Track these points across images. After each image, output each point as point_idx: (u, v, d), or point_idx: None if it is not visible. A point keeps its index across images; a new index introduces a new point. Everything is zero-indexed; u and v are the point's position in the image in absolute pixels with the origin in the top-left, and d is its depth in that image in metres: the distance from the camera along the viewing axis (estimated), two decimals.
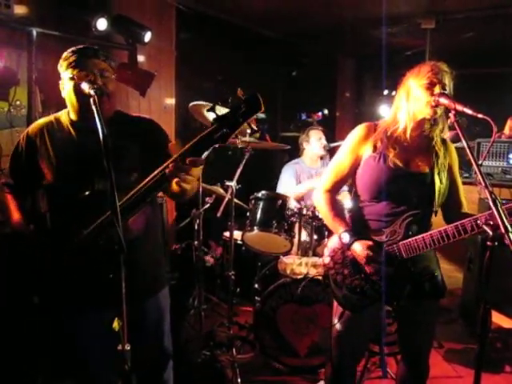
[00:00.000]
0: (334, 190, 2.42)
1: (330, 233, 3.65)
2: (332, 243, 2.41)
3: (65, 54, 2.05)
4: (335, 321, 2.39)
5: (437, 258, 2.37)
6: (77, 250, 1.94)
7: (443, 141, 2.30)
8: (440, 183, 2.22)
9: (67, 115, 2.13)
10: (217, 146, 1.71)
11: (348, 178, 2.40)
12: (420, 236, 2.13)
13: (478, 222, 1.96)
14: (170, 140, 2.21)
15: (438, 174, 2.22)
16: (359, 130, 2.34)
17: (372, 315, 2.38)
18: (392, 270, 2.19)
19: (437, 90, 2.08)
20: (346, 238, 2.25)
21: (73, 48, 2.06)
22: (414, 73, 2.20)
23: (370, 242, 2.19)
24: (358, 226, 2.32)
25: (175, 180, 1.72)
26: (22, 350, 3.03)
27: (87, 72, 1.99)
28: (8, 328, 3.00)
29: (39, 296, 2.08)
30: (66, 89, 2.05)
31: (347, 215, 2.50)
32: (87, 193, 2.01)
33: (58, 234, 2.03)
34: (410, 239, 2.15)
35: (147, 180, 1.78)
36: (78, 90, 1.98)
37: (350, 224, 2.36)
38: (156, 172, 1.75)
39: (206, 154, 1.70)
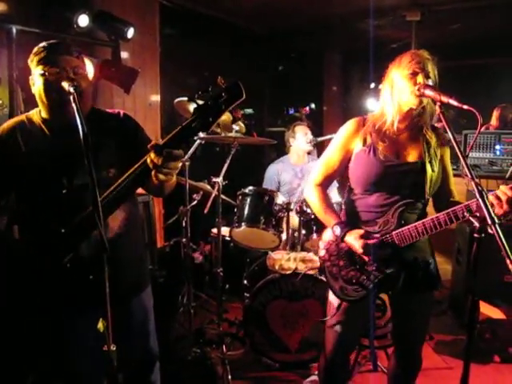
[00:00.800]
0: (324, 185, 2.42)
1: (319, 227, 3.67)
2: (326, 236, 2.42)
3: (35, 49, 1.97)
4: (331, 313, 2.39)
5: (432, 248, 2.37)
6: (59, 251, 1.90)
7: (434, 128, 2.29)
8: (432, 171, 2.22)
9: (39, 114, 2.06)
10: (201, 135, 1.70)
11: (338, 173, 2.40)
12: (413, 225, 2.13)
13: (470, 208, 1.97)
14: (148, 137, 2.17)
15: (430, 162, 2.22)
16: (349, 125, 2.35)
17: (365, 308, 2.38)
18: (388, 256, 2.18)
19: (419, 79, 2.08)
20: (338, 230, 2.25)
21: (44, 43, 1.98)
22: (396, 64, 2.20)
23: (362, 231, 2.19)
24: (352, 219, 2.32)
25: (153, 173, 1.69)
26: (11, 350, 3.00)
27: (59, 69, 1.92)
28: None
29: (25, 297, 2.05)
30: (37, 85, 1.97)
31: (342, 208, 2.49)
32: (64, 191, 1.96)
33: (38, 233, 1.98)
34: (402, 228, 2.15)
35: (126, 176, 1.76)
36: (49, 87, 1.92)
37: (345, 217, 2.37)
38: (135, 167, 1.74)
39: (192, 149, 1.70)
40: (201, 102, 1.66)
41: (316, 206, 2.40)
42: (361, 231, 2.19)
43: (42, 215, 2.00)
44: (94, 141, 1.76)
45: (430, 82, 2.10)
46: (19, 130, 2.03)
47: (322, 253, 2.41)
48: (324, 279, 3.33)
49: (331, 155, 2.37)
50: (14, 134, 2.03)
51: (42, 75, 1.93)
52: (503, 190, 1.91)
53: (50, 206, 1.98)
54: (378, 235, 2.19)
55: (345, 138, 2.33)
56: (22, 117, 2.10)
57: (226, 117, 3.22)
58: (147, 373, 2.36)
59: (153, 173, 1.69)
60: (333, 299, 2.39)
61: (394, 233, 2.17)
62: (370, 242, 2.16)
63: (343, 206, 2.46)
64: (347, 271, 2.30)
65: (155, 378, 2.39)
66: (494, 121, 5.40)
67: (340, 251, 2.32)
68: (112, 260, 1.57)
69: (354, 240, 2.19)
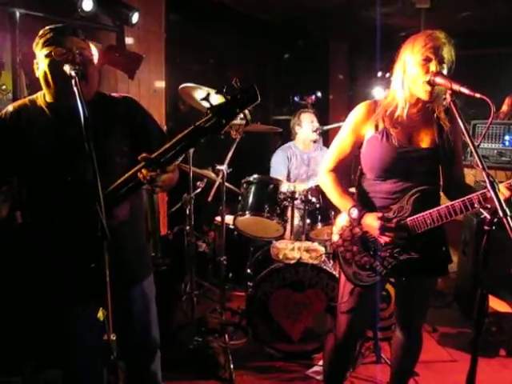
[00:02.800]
0: (337, 170, 2.39)
1: (323, 217, 3.64)
2: (340, 221, 2.40)
3: (41, 32, 1.94)
4: (344, 298, 2.38)
5: (445, 235, 2.33)
6: (62, 237, 1.89)
7: (447, 111, 2.23)
8: (445, 158, 2.19)
9: (43, 97, 2.01)
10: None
11: (351, 158, 2.38)
12: (427, 212, 2.10)
13: (486, 196, 1.94)
14: (156, 122, 2.17)
15: (443, 148, 2.19)
16: (360, 109, 2.30)
17: (376, 294, 2.41)
18: (402, 241, 2.17)
19: (432, 67, 2.02)
20: (355, 213, 2.23)
21: (50, 26, 1.95)
22: (409, 47, 2.13)
23: (380, 214, 2.17)
24: (365, 205, 2.29)
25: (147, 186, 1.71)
26: (11, 339, 3.00)
27: (65, 49, 1.88)
28: None
29: (27, 286, 2.04)
30: (41, 68, 1.92)
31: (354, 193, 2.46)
32: (69, 177, 1.93)
33: (41, 219, 1.96)
34: (417, 215, 2.13)
35: (124, 178, 1.76)
36: (55, 69, 1.87)
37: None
38: (129, 174, 1.74)
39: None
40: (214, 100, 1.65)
41: (331, 191, 2.38)
42: (379, 214, 2.17)
43: (45, 200, 1.97)
44: (101, 126, 1.81)
45: (445, 70, 2.04)
46: (23, 114, 1.99)
47: (336, 238, 2.40)
48: (328, 269, 3.34)
49: (343, 140, 2.34)
50: (17, 118, 1.99)
51: (48, 56, 1.88)
52: None
53: (54, 191, 1.95)
54: (394, 219, 2.16)
55: (356, 123, 2.29)
56: (25, 100, 2.06)
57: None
58: (148, 361, 2.34)
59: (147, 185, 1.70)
60: (346, 284, 2.38)
61: (408, 219, 2.15)
62: (388, 224, 2.14)
63: (355, 191, 2.43)
64: (361, 257, 2.30)
65: (156, 367, 2.37)
66: (505, 107, 5.34)
67: (354, 236, 2.31)
68: (115, 248, 1.55)
69: (371, 221, 2.16)
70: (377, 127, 2.22)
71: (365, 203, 2.29)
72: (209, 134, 1.64)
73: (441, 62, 2.04)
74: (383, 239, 2.17)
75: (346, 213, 2.31)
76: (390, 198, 2.23)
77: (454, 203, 2.04)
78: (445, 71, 2.05)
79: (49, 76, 1.91)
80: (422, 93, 2.09)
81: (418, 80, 2.07)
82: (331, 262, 3.56)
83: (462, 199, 2.02)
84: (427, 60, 2.04)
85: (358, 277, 2.30)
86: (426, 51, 2.05)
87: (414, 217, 2.13)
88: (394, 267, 2.21)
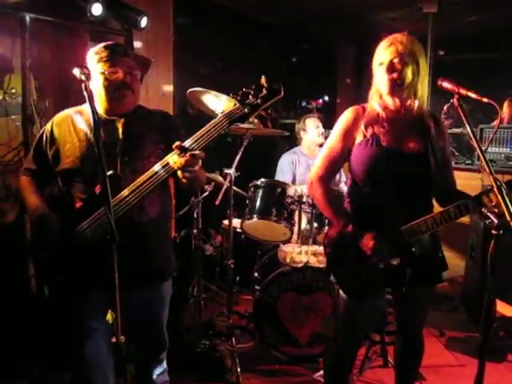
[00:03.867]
0: (328, 177, 2.37)
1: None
2: (331, 233, 2.38)
3: (97, 48, 2.15)
4: (343, 310, 2.39)
5: (438, 241, 2.33)
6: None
7: (433, 116, 2.27)
8: (436, 163, 2.18)
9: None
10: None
11: (341, 164, 2.38)
12: (422, 219, 2.09)
13: (481, 200, 1.94)
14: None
15: (433, 153, 2.18)
16: (348, 114, 2.31)
17: (374, 303, 2.39)
18: (398, 260, 2.15)
19: (391, 67, 2.12)
20: (349, 229, 2.20)
21: (104, 43, 2.17)
22: (376, 52, 2.22)
23: (374, 233, 2.14)
24: (357, 211, 2.28)
25: (179, 174, 1.87)
26: (19, 343, 3.02)
27: (117, 69, 2.10)
28: (5, 320, 2.98)
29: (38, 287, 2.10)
30: (97, 82, 2.12)
31: (345, 201, 2.44)
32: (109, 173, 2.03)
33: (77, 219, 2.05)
34: (412, 223, 2.11)
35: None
36: (108, 85, 2.11)
37: (349, 209, 2.33)
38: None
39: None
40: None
41: (324, 203, 2.34)
42: (373, 233, 2.13)
43: (83, 201, 2.07)
44: (137, 132, 2.14)
45: (409, 70, 2.11)
46: (71, 120, 2.20)
47: (328, 250, 2.39)
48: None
49: (332, 147, 2.32)
50: (67, 123, 2.19)
51: (102, 73, 2.11)
52: None
53: (92, 193, 2.02)
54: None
55: (345, 128, 2.28)
56: (75, 109, 2.27)
57: None
58: (155, 362, 2.39)
59: (179, 173, 1.86)
60: (343, 296, 2.37)
61: (403, 228, 2.13)
62: (382, 246, 2.12)
63: (347, 198, 2.41)
64: (354, 267, 2.26)
65: (163, 369, 2.43)
66: (506, 113, 5.30)
67: (348, 249, 2.28)
68: (142, 244, 1.76)
69: (366, 242, 2.14)
70: (366, 132, 2.22)
71: (357, 210, 2.28)
72: (234, 123, 1.88)
73: (396, 64, 2.11)
74: (376, 259, 2.16)
75: (339, 226, 2.27)
76: (381, 204, 2.20)
77: (449, 208, 2.03)
78: (406, 74, 2.11)
79: (103, 90, 2.13)
80: (385, 94, 2.18)
81: (382, 81, 2.16)
82: None
83: (456, 203, 2.01)
84: (381, 64, 2.14)
85: (353, 289, 2.30)
86: (382, 55, 2.14)
87: (409, 224, 2.11)
88: (389, 277, 2.20)
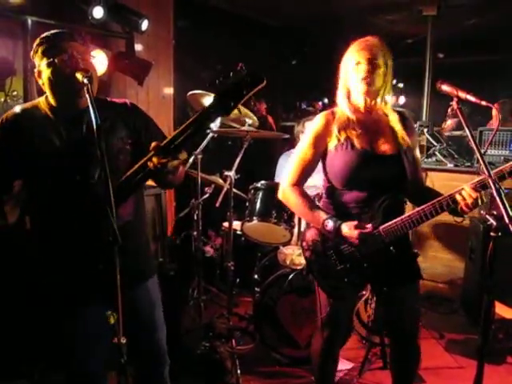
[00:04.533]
0: (300, 184, 2.37)
1: None
2: (310, 235, 2.37)
3: (38, 40, 1.95)
4: (324, 312, 2.39)
5: (410, 240, 2.37)
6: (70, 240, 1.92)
7: (399, 113, 2.30)
8: (408, 163, 2.21)
9: (45, 101, 2.01)
10: (214, 128, 1.75)
11: (313, 169, 2.37)
12: (399, 218, 2.12)
13: (455, 198, 2.01)
14: (158, 127, 2.19)
15: (405, 153, 2.21)
16: (318, 120, 2.32)
17: (355, 301, 2.48)
18: (375, 250, 2.18)
19: (363, 70, 2.14)
20: (330, 224, 2.18)
21: (45, 33, 1.96)
22: (346, 55, 2.26)
23: (355, 222, 2.15)
24: (335, 213, 2.28)
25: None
26: (19, 343, 3.02)
27: (67, 56, 1.89)
28: (5, 320, 2.98)
29: (37, 288, 2.06)
30: (45, 75, 1.93)
31: (321, 202, 2.45)
32: (78, 177, 1.94)
33: (49, 223, 1.99)
34: (389, 223, 2.13)
35: (133, 171, 1.78)
36: (59, 76, 1.89)
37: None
38: (139, 164, 1.76)
39: (204, 143, 1.76)
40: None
41: (298, 206, 2.32)
42: (354, 222, 2.15)
43: (54, 202, 1.97)
44: (102, 126, 1.75)
45: (379, 73, 2.15)
46: (25, 118, 1.98)
47: (308, 253, 2.37)
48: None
49: (305, 153, 2.32)
50: (19, 122, 1.98)
51: (51, 64, 1.90)
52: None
53: (62, 193, 1.95)
54: (370, 226, 2.14)
55: (316, 135, 2.29)
56: (27, 104, 2.06)
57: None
58: (156, 365, 2.34)
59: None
60: (324, 298, 2.38)
61: (381, 228, 2.14)
62: (365, 231, 2.12)
63: (322, 203, 2.41)
64: (337, 270, 2.28)
65: (164, 371, 2.38)
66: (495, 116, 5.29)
67: (327, 250, 2.29)
68: (119, 247, 1.56)
69: (348, 231, 2.14)
70: (339, 136, 2.23)
71: (334, 214, 2.27)
72: (218, 117, 1.74)
73: (372, 64, 2.13)
74: (364, 249, 2.17)
75: (319, 226, 2.25)
76: (359, 206, 2.22)
77: (424, 207, 2.06)
78: (379, 75, 2.15)
79: (54, 83, 1.92)
80: (359, 95, 2.19)
81: (354, 84, 2.19)
82: None
83: (431, 202, 2.05)
84: (358, 64, 2.16)
85: (335, 290, 2.31)
86: (357, 56, 2.17)
87: (387, 224, 2.13)
88: (372, 277, 2.22)
